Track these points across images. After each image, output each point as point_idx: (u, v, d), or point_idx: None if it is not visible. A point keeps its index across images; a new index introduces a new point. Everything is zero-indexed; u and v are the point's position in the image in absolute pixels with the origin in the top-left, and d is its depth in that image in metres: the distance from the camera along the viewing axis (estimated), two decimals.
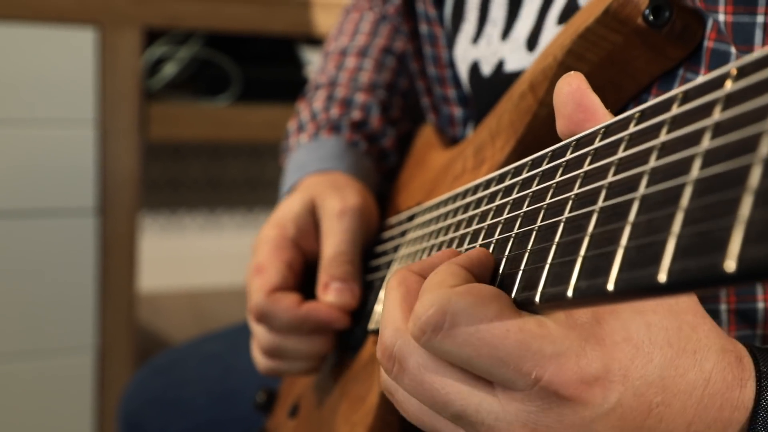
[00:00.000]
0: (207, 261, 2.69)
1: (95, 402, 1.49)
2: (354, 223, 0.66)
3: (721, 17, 0.44)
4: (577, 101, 0.37)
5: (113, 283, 1.44)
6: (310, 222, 0.68)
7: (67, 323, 1.45)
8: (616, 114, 0.51)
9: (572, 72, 0.38)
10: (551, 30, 0.57)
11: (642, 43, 0.47)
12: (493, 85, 0.63)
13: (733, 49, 0.45)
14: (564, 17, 0.56)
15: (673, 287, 0.25)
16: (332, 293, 0.62)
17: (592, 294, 0.30)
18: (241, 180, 2.81)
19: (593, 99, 0.37)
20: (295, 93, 1.01)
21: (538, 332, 0.33)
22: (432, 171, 0.70)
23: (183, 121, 1.47)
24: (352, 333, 0.63)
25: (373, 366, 0.58)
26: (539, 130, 0.54)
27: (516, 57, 0.60)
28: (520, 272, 0.36)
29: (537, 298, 0.33)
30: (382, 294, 0.60)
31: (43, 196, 1.40)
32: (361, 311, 0.63)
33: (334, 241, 0.65)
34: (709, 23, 0.46)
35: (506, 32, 0.62)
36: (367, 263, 0.67)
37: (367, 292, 0.64)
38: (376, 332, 0.58)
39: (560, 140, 0.49)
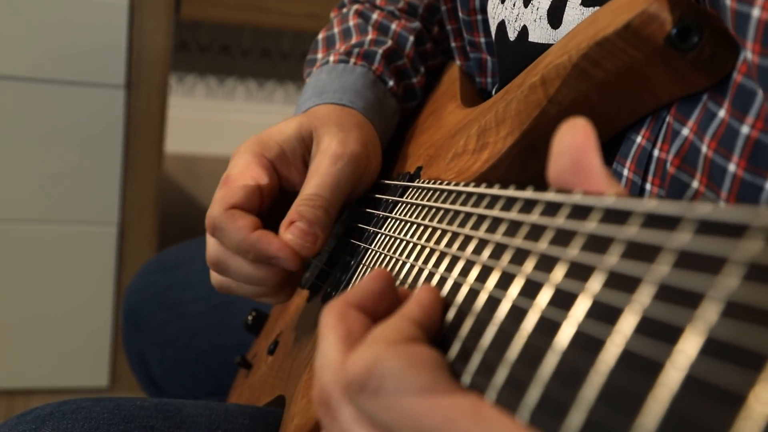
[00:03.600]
0: (251, 130, 2.68)
1: (117, 277, 1.52)
2: (345, 171, 0.61)
3: (749, 55, 0.37)
4: (575, 159, 0.32)
5: (139, 163, 1.44)
6: (298, 151, 0.63)
7: (93, 197, 1.46)
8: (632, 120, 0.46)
9: (580, 121, 0.32)
10: (575, 9, 0.51)
11: (663, 63, 0.41)
12: (516, 51, 0.58)
13: (760, 92, 0.39)
14: None
15: None
16: (294, 231, 0.57)
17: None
18: (296, 54, 2.75)
19: (593, 162, 0.31)
20: None
21: (470, 412, 0.29)
22: (441, 131, 0.66)
23: (216, 1, 1.42)
24: (329, 294, 0.61)
25: None
26: (545, 126, 0.49)
27: (539, 29, 0.55)
28: (480, 354, 0.31)
29: (494, 397, 0.29)
30: (364, 264, 0.58)
31: (75, 67, 1.38)
32: (339, 274, 0.61)
33: (318, 182, 0.60)
34: (742, 54, 0.40)
35: None
36: (354, 223, 0.64)
37: (348, 256, 0.61)
38: None
39: None
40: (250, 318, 0.82)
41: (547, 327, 0.27)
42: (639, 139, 0.46)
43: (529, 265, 0.30)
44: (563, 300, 0.27)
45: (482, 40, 0.69)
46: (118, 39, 1.36)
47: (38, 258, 1.48)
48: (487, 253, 0.35)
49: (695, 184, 0.42)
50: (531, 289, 0.29)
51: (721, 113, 0.41)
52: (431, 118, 0.72)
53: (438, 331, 0.35)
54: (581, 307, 0.25)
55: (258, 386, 0.73)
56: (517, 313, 0.29)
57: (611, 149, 0.48)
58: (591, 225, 0.28)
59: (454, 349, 0.33)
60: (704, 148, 0.41)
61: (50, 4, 1.34)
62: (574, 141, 0.31)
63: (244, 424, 0.58)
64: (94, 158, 1.42)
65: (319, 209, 0.58)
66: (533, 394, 0.25)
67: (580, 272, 0.27)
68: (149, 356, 1.00)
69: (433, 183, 0.53)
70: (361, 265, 0.58)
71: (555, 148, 0.32)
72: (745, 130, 0.39)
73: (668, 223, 0.23)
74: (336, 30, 0.79)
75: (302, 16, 1.45)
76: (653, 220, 0.24)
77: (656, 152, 0.45)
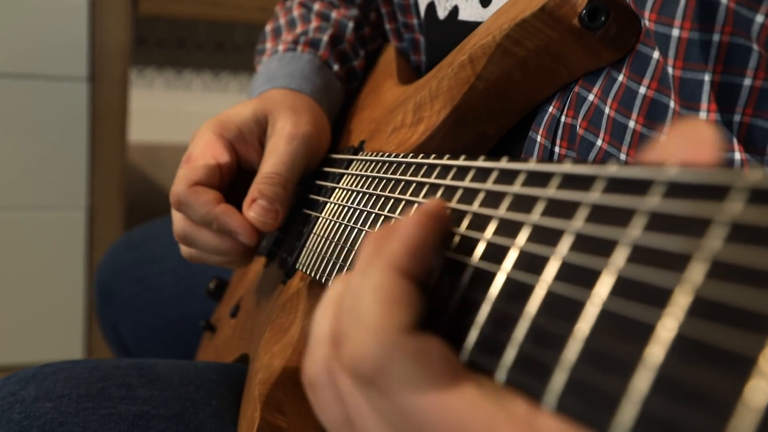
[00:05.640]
0: (208, 119, 2.63)
1: (87, 257, 1.49)
2: (300, 150, 0.61)
3: (646, 23, 0.39)
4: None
5: (104, 151, 1.41)
6: (255, 132, 0.63)
7: (62, 184, 1.42)
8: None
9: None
10: None
11: (576, 41, 0.42)
12: (446, 30, 0.59)
13: (655, 54, 0.40)
14: None
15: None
16: (256, 209, 0.57)
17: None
18: (248, 45, 2.71)
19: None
20: None
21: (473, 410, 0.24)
22: (381, 107, 0.66)
23: None
24: (285, 260, 0.61)
25: (298, 301, 0.56)
26: (474, 101, 0.50)
27: (469, 8, 0.56)
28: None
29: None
30: (315, 231, 0.58)
31: (40, 62, 1.34)
32: (293, 241, 0.61)
33: (275, 161, 0.60)
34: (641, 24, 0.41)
35: None
36: (305, 194, 0.64)
37: (301, 224, 0.62)
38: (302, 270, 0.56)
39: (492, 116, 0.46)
40: (212, 285, 0.82)
41: (517, 290, 0.25)
42: (551, 108, 0.48)
43: (490, 230, 0.29)
44: (531, 263, 0.24)
45: (415, 21, 0.69)
46: (80, 34, 1.33)
47: (12, 241, 1.45)
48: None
49: (599, 142, 0.44)
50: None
51: (620, 77, 0.42)
52: (371, 96, 0.72)
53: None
54: (550, 270, 0.23)
55: (223, 346, 0.73)
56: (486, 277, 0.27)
57: (529, 120, 0.49)
58: (550, 191, 0.26)
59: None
60: (607, 110, 0.43)
61: (14, 2, 1.30)
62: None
63: (213, 379, 0.59)
64: (62, 147, 1.39)
65: (278, 186, 0.58)
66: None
67: (545, 236, 0.25)
68: (122, 327, 0.99)
69: (377, 155, 0.53)
70: (312, 234, 0.58)
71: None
72: (642, 90, 0.41)
73: (636, 186, 0.22)
74: (282, 21, 0.79)
75: (252, 8, 1.44)
76: (616, 184, 0.23)
77: (563, 118, 0.46)
